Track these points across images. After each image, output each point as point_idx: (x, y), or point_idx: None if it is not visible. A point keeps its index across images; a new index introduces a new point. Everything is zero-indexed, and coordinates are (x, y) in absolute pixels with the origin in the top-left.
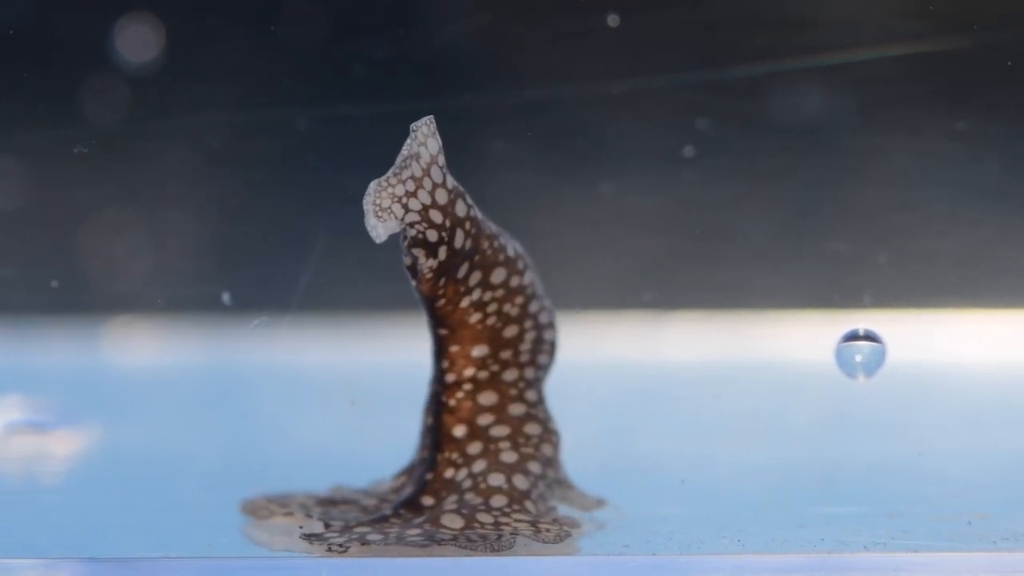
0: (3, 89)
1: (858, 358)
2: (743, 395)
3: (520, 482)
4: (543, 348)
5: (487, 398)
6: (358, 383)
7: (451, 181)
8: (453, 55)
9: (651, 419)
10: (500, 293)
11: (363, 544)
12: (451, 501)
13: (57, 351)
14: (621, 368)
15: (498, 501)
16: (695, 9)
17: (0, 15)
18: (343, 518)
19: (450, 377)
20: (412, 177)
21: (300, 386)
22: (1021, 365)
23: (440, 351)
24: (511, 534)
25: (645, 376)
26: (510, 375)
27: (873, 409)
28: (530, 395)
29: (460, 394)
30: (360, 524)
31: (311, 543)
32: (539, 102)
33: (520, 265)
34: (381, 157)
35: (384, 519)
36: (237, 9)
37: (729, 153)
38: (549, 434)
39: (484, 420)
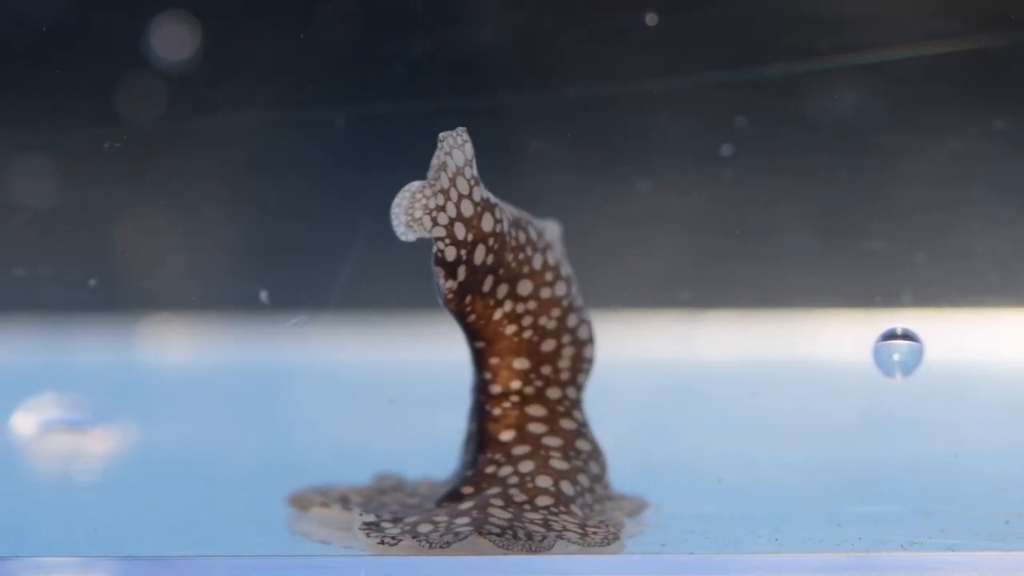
0: (40, 88)
1: (896, 357)
2: (780, 394)
3: (567, 488)
4: (583, 367)
5: (536, 410)
6: (396, 382)
7: (480, 193)
8: (490, 53)
9: (688, 418)
10: (532, 305)
11: (414, 537)
12: (494, 493)
13: (94, 349)
14: (658, 367)
15: (544, 501)
16: (732, 7)
17: (38, 14)
18: (388, 511)
19: (495, 388)
20: (441, 190)
21: (337, 384)
22: None
23: (480, 363)
24: (556, 536)
25: (682, 375)
26: (554, 393)
27: (910, 408)
28: (577, 415)
29: (507, 404)
30: (409, 518)
31: (369, 534)
32: (576, 100)
33: (549, 277)
34: (418, 155)
35: (430, 513)
36: (273, 7)
37: (766, 151)
38: (598, 453)
39: (535, 428)
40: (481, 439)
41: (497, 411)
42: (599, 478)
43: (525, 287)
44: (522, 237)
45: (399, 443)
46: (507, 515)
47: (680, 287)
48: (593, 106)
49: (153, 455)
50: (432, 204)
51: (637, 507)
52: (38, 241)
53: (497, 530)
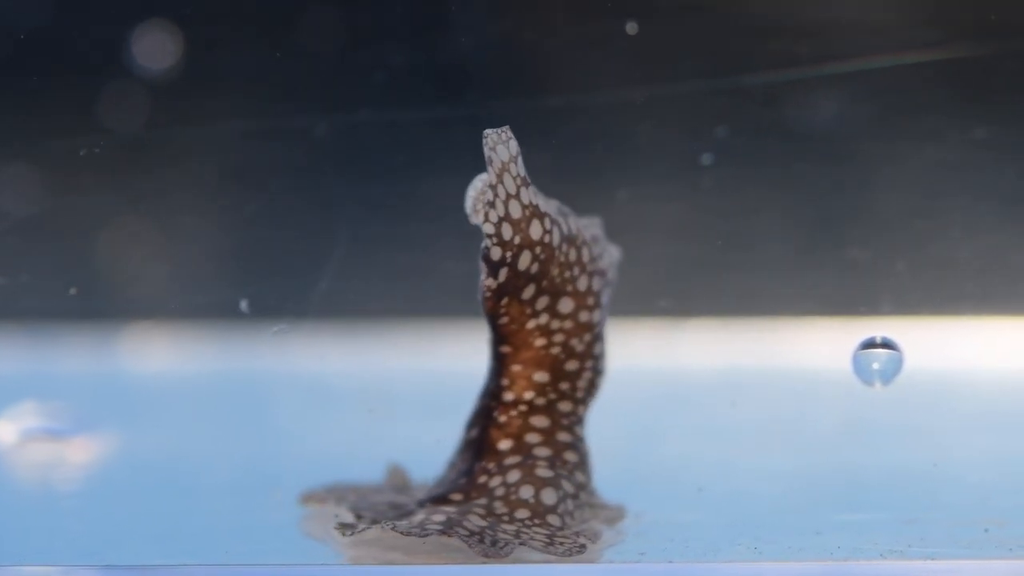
0: (21, 96)
1: (875, 365)
2: (760, 402)
3: (548, 496)
4: (594, 392)
5: (540, 421)
6: (377, 390)
7: (528, 196)
8: (472, 62)
9: (668, 426)
10: (569, 325)
11: (382, 529)
12: (480, 503)
13: (74, 358)
14: (638, 375)
15: (521, 513)
16: (713, 16)
17: (18, 22)
18: (375, 510)
19: (509, 396)
20: (490, 184)
21: (318, 393)
22: None
23: (500, 368)
24: (517, 545)
25: (662, 383)
26: (565, 407)
27: (890, 416)
28: (578, 430)
29: (514, 412)
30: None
31: (344, 534)
32: (557, 109)
33: (591, 301)
34: (400, 164)
35: (411, 512)
36: (256, 16)
37: (747, 160)
38: (585, 464)
39: (532, 438)
40: (481, 445)
41: (503, 418)
42: (584, 486)
43: (566, 305)
44: (573, 255)
45: (380, 451)
46: (483, 523)
47: (660, 295)
48: (574, 115)
49: (134, 464)
50: (484, 198)
51: (616, 515)
52: (18, 249)
53: (465, 532)
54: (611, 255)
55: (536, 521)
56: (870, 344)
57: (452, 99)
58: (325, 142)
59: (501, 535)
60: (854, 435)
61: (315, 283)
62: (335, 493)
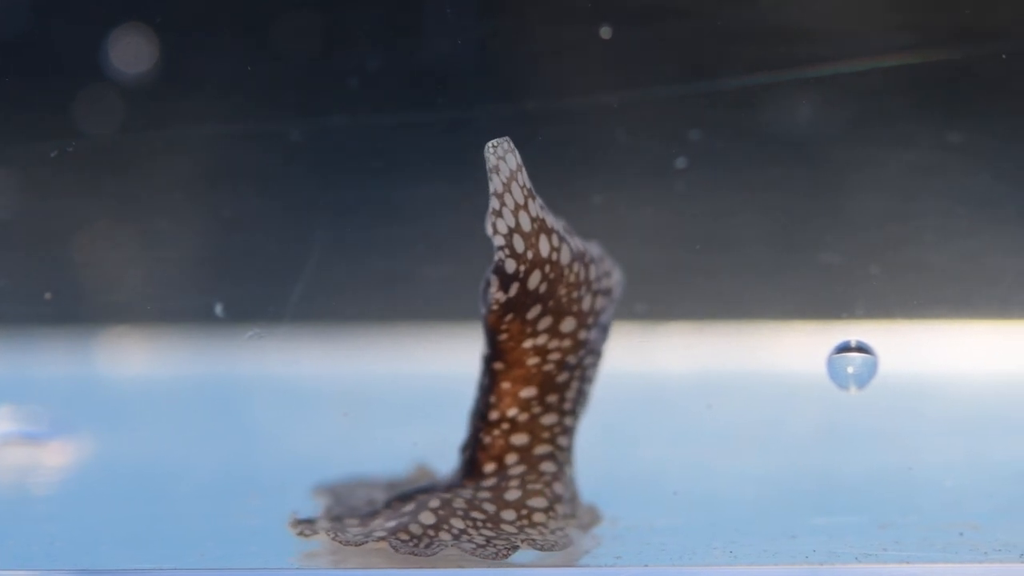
0: None
1: (850, 370)
2: (735, 406)
3: (508, 515)
4: (583, 402)
5: (519, 439)
6: (352, 394)
7: (536, 209)
8: (447, 67)
9: (644, 430)
10: (567, 344)
11: (328, 531)
12: (433, 506)
13: (50, 362)
14: (614, 379)
15: (477, 515)
16: (688, 21)
17: None
18: (349, 508)
19: (494, 415)
20: (495, 193)
21: (293, 397)
22: (1013, 376)
23: (491, 385)
24: (442, 545)
25: (638, 387)
26: (549, 419)
27: (865, 420)
28: (562, 440)
29: (497, 432)
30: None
31: (301, 532)
32: (532, 114)
33: (591, 320)
34: (374, 169)
35: (375, 513)
36: (232, 21)
37: (721, 164)
38: (563, 474)
39: (510, 459)
40: (469, 468)
41: (488, 439)
42: (559, 499)
43: (568, 325)
44: (580, 274)
45: (357, 455)
46: (431, 520)
47: (635, 299)
48: (549, 119)
49: (110, 468)
50: (491, 207)
51: (592, 520)
52: None
53: (406, 536)
54: (615, 275)
55: (488, 525)
56: (845, 348)
57: (427, 104)
58: (300, 146)
59: (440, 537)
60: (829, 439)
61: (290, 287)
62: (348, 489)
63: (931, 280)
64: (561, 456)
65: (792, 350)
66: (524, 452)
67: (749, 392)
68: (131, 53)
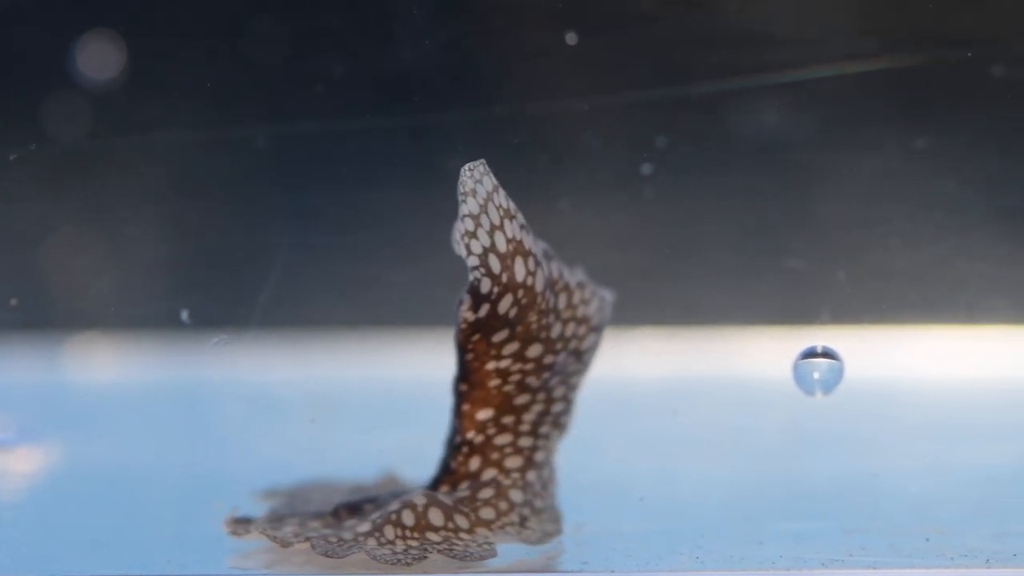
0: None
1: (816, 375)
2: (701, 411)
3: (434, 516)
4: (546, 420)
5: (474, 463)
6: (319, 400)
7: (513, 229)
8: (413, 72)
9: (610, 435)
10: (530, 367)
11: (263, 531)
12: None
13: (17, 368)
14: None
15: (408, 520)
16: (655, 26)
17: None
18: (295, 512)
19: (457, 438)
20: (470, 215)
21: (260, 403)
22: (979, 381)
23: (456, 407)
24: (352, 545)
25: (603, 392)
26: (502, 440)
27: (831, 425)
28: (511, 461)
29: (460, 458)
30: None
31: (234, 532)
32: (498, 119)
33: (560, 346)
34: (340, 175)
35: (322, 515)
36: (198, 27)
37: (687, 170)
38: (501, 499)
39: (463, 484)
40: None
41: (454, 464)
42: (487, 522)
43: (534, 351)
44: (552, 302)
45: (324, 461)
46: (366, 528)
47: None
48: (515, 125)
49: (78, 473)
50: (463, 228)
51: (554, 528)
52: None
53: (335, 539)
54: (601, 299)
55: (414, 534)
56: (811, 353)
57: (393, 109)
58: (266, 152)
59: (363, 542)
60: (795, 444)
61: (257, 293)
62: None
63: (897, 285)
64: (507, 479)
65: (758, 356)
66: (473, 478)
67: (715, 398)
68: (97, 59)
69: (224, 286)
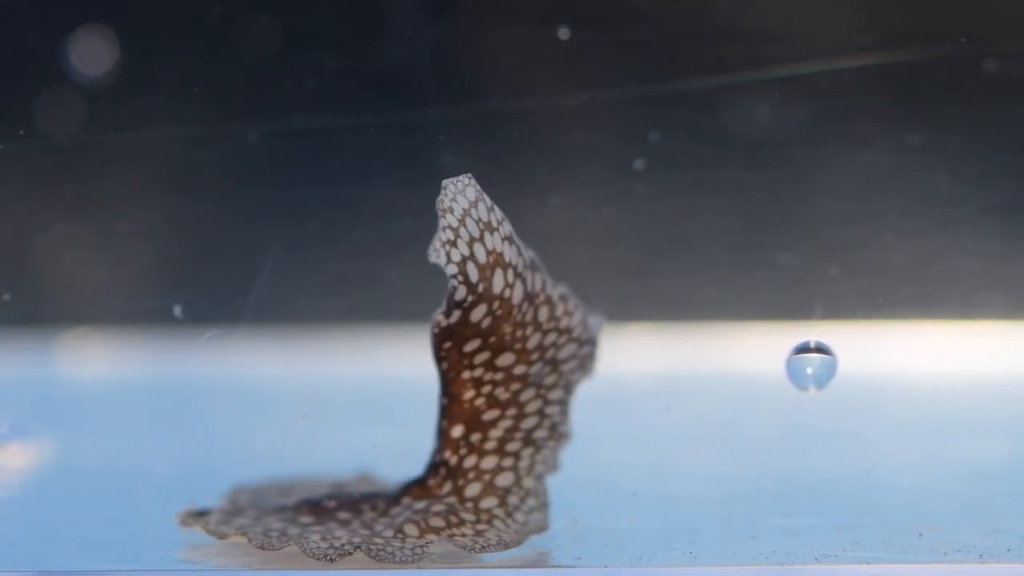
0: None
1: (809, 370)
2: (694, 407)
3: (412, 530)
4: (515, 436)
5: (446, 487)
6: (310, 395)
7: (493, 241)
8: (405, 68)
9: (603, 431)
10: (499, 376)
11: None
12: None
13: (8, 364)
14: None
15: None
16: (646, 22)
17: None
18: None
19: (436, 458)
20: (449, 226)
21: (252, 399)
22: (972, 376)
23: (439, 424)
24: (287, 539)
25: (597, 388)
26: (469, 462)
27: (824, 421)
28: (471, 489)
29: (437, 479)
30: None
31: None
32: (490, 114)
33: (535, 356)
34: (331, 171)
35: (285, 509)
36: (190, 22)
37: (680, 166)
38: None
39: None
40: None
41: (432, 481)
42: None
43: (506, 359)
44: (529, 315)
45: (313, 456)
46: (320, 530)
47: (593, 301)
48: (508, 120)
49: (70, 470)
50: (443, 237)
51: (542, 524)
52: None
53: (275, 532)
54: (581, 315)
55: (363, 533)
56: (804, 349)
57: (385, 106)
58: (259, 148)
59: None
60: (788, 440)
61: (249, 289)
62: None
63: (890, 281)
64: (459, 512)
65: (751, 351)
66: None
67: (708, 393)
68: (89, 55)
69: (216, 282)
